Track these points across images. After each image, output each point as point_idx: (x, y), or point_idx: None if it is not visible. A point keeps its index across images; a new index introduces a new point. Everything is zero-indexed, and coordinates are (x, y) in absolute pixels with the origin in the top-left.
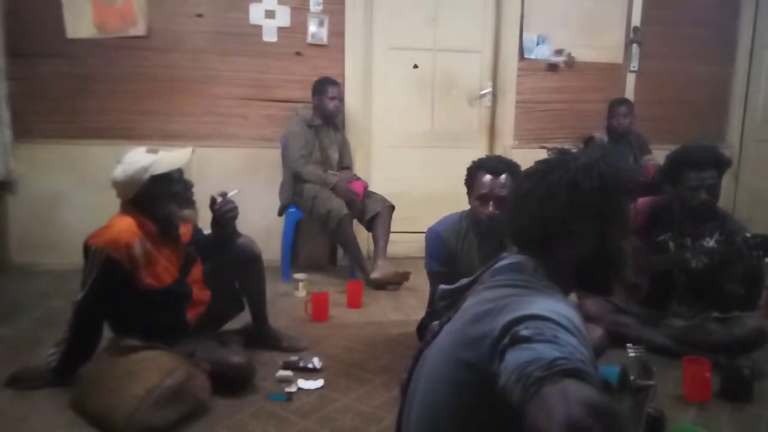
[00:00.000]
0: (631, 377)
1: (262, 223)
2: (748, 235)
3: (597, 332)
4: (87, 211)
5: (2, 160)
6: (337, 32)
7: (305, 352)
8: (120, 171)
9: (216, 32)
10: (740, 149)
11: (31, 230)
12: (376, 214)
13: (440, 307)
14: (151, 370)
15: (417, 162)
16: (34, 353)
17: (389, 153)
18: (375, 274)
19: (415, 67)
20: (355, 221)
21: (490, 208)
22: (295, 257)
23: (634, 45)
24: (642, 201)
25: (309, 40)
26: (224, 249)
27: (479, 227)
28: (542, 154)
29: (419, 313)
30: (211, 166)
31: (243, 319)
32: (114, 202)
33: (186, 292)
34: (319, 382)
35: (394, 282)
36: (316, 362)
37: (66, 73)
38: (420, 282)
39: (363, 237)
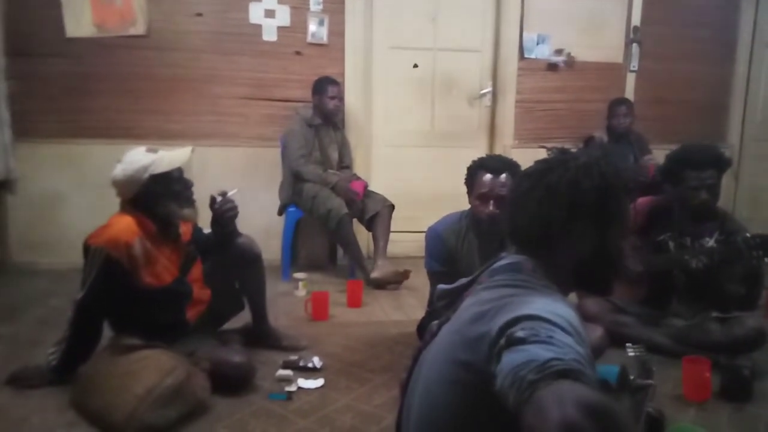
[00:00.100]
0: (631, 377)
1: (262, 223)
2: (748, 235)
3: (597, 332)
4: (87, 210)
5: (2, 159)
6: (337, 32)
7: (305, 352)
8: (120, 170)
9: (216, 31)
10: (740, 149)
11: (31, 229)
12: (376, 213)
13: (439, 307)
14: (151, 370)
15: (417, 161)
16: (34, 352)
17: (389, 152)
18: (375, 274)
19: (415, 66)
20: (355, 221)
21: (491, 208)
22: (295, 256)
23: (634, 45)
24: (642, 201)
25: (309, 39)
26: (224, 248)
27: (479, 227)
28: (542, 154)
29: (419, 313)
30: (211, 165)
31: (243, 318)
32: (114, 202)
33: (186, 292)
34: (319, 382)
35: (394, 281)
36: (316, 361)
37: (66, 72)
38: (420, 281)
39: (363, 236)
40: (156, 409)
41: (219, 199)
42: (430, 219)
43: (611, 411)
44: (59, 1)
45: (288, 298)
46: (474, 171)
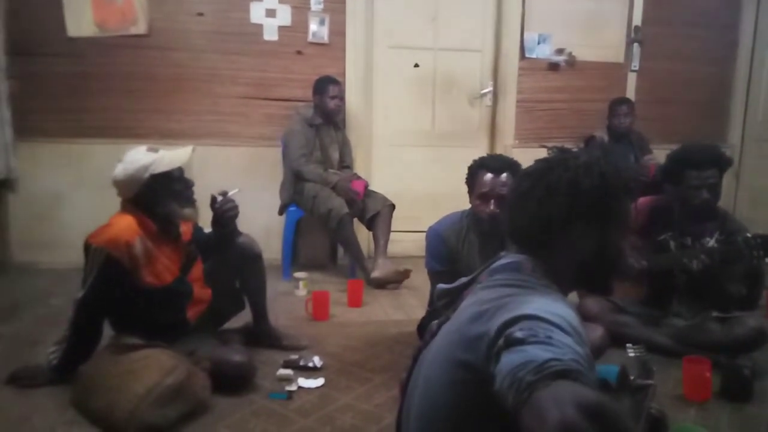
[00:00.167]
0: (631, 377)
1: (262, 222)
2: (748, 234)
3: (597, 332)
4: (87, 209)
5: (3, 158)
6: (338, 31)
7: (305, 351)
8: (120, 169)
9: (217, 31)
10: (741, 149)
11: (32, 229)
12: (376, 213)
13: (439, 307)
14: (152, 369)
15: (417, 161)
16: (35, 351)
17: (390, 152)
18: (375, 273)
19: (416, 66)
20: (355, 220)
21: (491, 207)
22: (295, 256)
23: (635, 44)
24: (642, 200)
25: (310, 38)
26: (225, 248)
27: (480, 226)
28: (543, 154)
29: (419, 313)
30: (211, 164)
31: (243, 317)
32: (114, 201)
33: (186, 291)
34: (319, 381)
35: (395, 281)
36: (317, 361)
37: (67, 71)
38: (420, 281)
39: (363, 236)
40: (156, 409)
41: (219, 198)
42: (430, 219)
43: (610, 411)
44: (60, 1)
45: (288, 297)
46: (475, 170)
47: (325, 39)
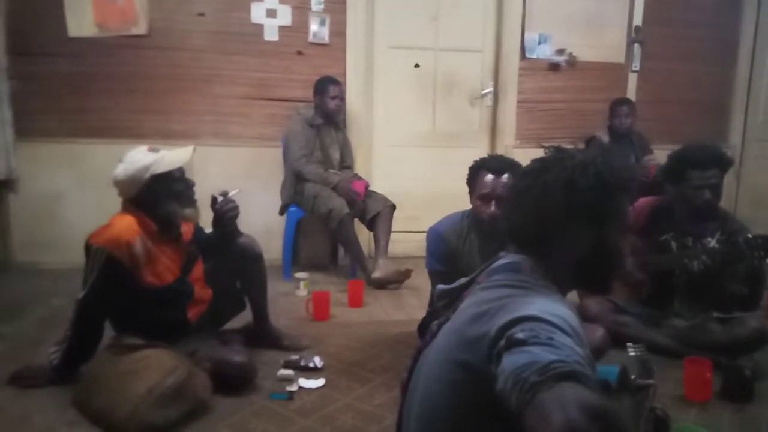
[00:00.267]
0: (632, 376)
1: (263, 222)
2: (749, 235)
3: (598, 332)
4: (88, 209)
5: (4, 158)
6: (339, 31)
7: (306, 351)
8: (121, 170)
9: (217, 31)
10: (742, 149)
11: (33, 229)
12: (377, 213)
13: (439, 307)
14: (153, 369)
15: (418, 161)
16: (36, 352)
17: (390, 152)
18: (376, 274)
19: (417, 66)
20: (356, 220)
21: (492, 208)
22: (296, 256)
23: (636, 45)
24: (643, 201)
25: (310, 39)
26: (225, 248)
27: (481, 227)
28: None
29: (420, 313)
30: (212, 165)
31: (244, 318)
32: (115, 201)
33: (187, 291)
34: (320, 381)
35: (396, 281)
36: (317, 361)
37: (67, 71)
38: (421, 281)
39: (364, 236)
40: (157, 409)
41: (220, 199)
42: (431, 219)
43: (613, 415)
44: (61, 1)
45: (289, 297)
46: (475, 171)
47: (326, 39)
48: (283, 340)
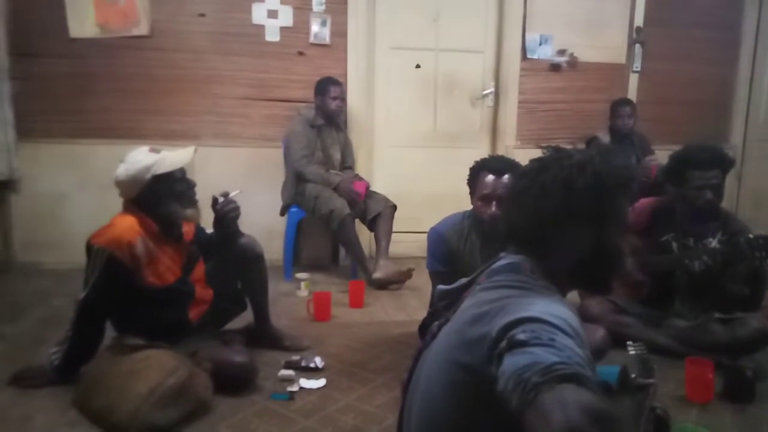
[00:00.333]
0: (632, 375)
1: (264, 223)
2: (751, 235)
3: (599, 333)
4: (90, 210)
5: (6, 159)
6: (340, 32)
7: (307, 352)
8: (122, 170)
9: (218, 32)
10: (743, 149)
11: (35, 229)
12: (378, 214)
13: (440, 308)
14: (154, 369)
15: (419, 162)
16: (37, 352)
17: (391, 153)
18: (377, 274)
19: (418, 66)
20: (357, 221)
21: (493, 209)
22: (297, 257)
23: (637, 45)
24: (644, 201)
25: (311, 39)
26: (226, 248)
27: (482, 227)
28: None
29: (421, 313)
30: (213, 165)
31: (245, 318)
32: (117, 202)
33: (188, 291)
34: (320, 382)
35: (396, 281)
36: (318, 362)
37: (69, 72)
38: (422, 282)
39: (365, 237)
40: (158, 409)
41: (221, 199)
42: (432, 219)
43: (613, 417)
44: (63, 2)
45: (290, 298)
46: (476, 172)
47: (327, 40)
48: (284, 340)
